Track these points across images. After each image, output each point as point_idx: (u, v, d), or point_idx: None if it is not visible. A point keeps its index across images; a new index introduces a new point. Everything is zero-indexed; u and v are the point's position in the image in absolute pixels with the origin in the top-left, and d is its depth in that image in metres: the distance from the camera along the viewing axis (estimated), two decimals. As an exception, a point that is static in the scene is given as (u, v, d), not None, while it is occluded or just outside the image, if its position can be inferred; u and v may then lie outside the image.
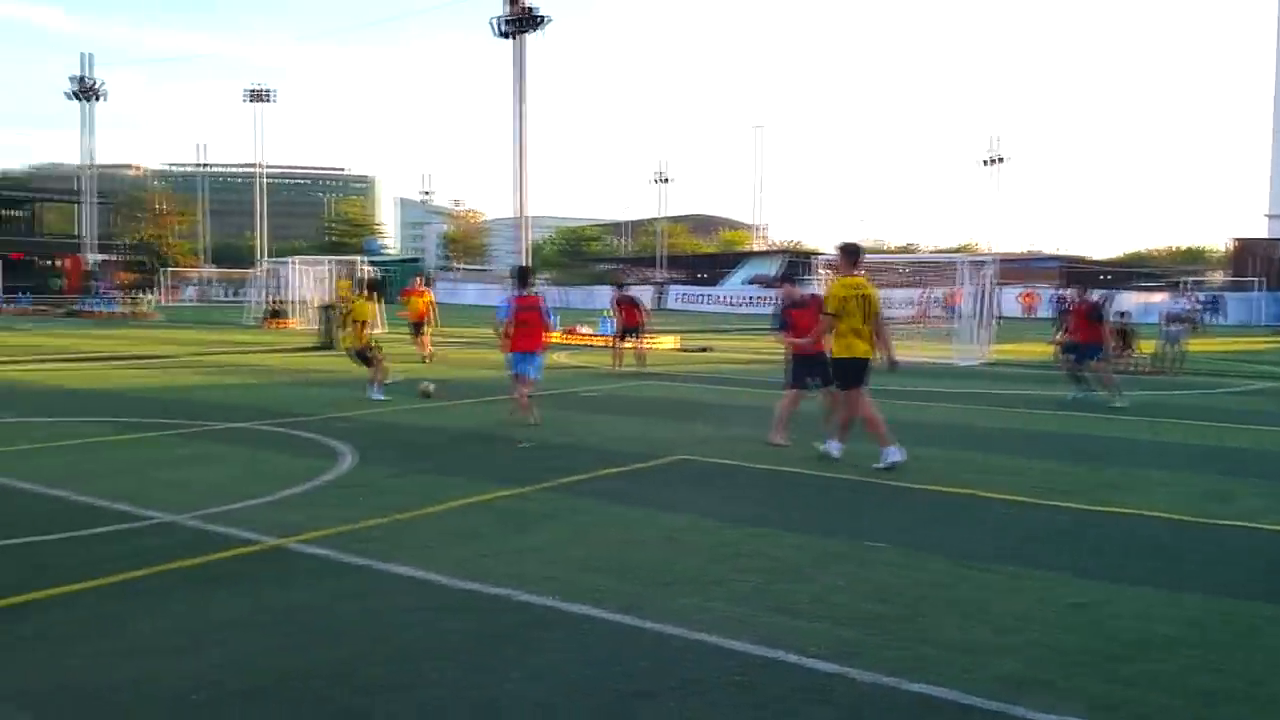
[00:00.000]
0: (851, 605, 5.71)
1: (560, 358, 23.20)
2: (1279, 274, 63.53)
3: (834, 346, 10.24)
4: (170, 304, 66.71)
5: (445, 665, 4.76)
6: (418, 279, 27.31)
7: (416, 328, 23.51)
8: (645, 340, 22.59)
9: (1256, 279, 61.31)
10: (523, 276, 13.31)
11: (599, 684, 4.56)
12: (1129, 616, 5.61)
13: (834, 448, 10.28)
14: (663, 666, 4.77)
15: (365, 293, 16.57)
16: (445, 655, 4.88)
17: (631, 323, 21.71)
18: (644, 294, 39.74)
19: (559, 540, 7.06)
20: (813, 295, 12.18)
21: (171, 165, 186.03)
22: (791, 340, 11.32)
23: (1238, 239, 76.49)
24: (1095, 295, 17.38)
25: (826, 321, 10.20)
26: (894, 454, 9.75)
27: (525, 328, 12.43)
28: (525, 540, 7.04)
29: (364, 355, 15.67)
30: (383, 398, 15.01)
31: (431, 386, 15.40)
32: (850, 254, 10.58)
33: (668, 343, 28.88)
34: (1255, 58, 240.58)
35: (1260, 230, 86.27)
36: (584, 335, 29.74)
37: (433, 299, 24.13)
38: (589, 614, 5.51)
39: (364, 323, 15.65)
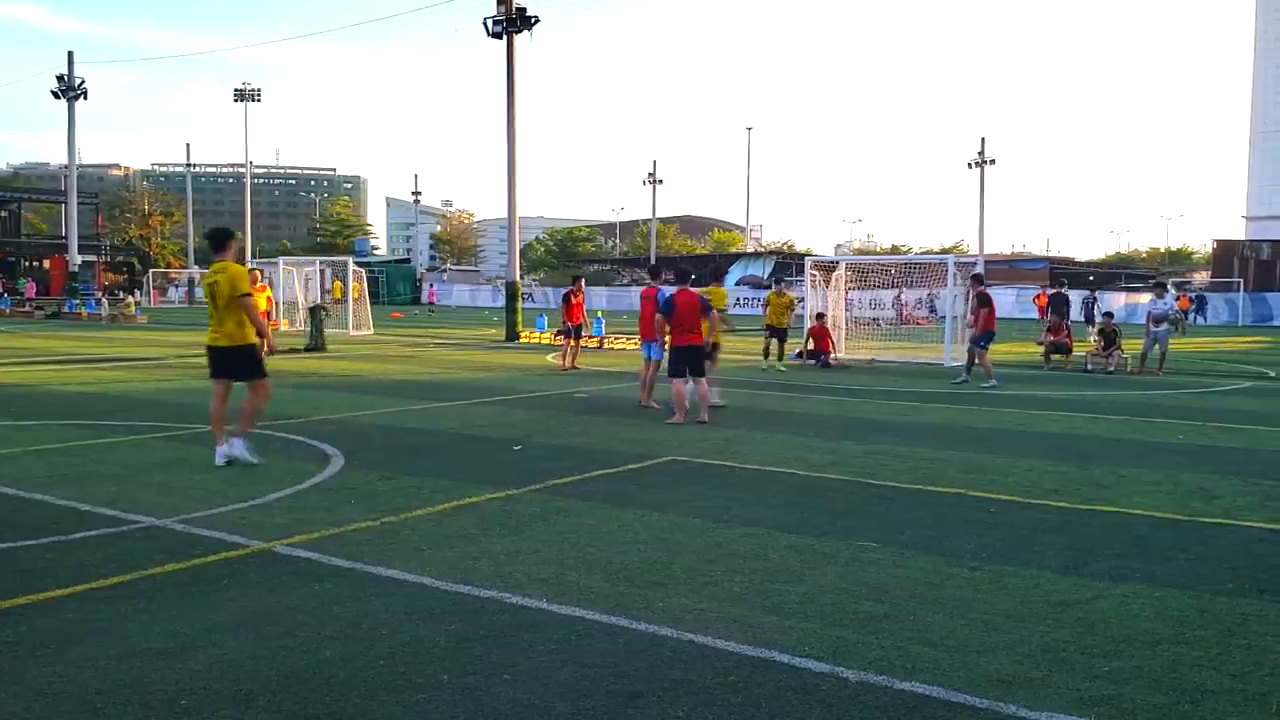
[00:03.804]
0: (842, 605, 5.72)
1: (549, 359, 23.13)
2: (1258, 275, 64.45)
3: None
4: (156, 305, 66.48)
5: (435, 668, 4.74)
6: (256, 273, 24.36)
7: None
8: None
9: (1237, 279, 62.02)
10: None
11: (590, 685, 4.56)
12: (1114, 614, 5.64)
13: (236, 445, 9.86)
14: (655, 667, 4.77)
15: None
16: (435, 658, 4.87)
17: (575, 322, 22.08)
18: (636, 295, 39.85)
19: (550, 542, 7.05)
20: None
21: (158, 165, 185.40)
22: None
23: (1219, 240, 77.47)
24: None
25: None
26: (224, 453, 9.73)
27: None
28: (516, 542, 7.03)
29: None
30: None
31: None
32: (212, 239, 10.07)
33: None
34: (1236, 63, 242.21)
35: (1239, 232, 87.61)
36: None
37: (270, 294, 22.92)
38: (580, 615, 5.50)
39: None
